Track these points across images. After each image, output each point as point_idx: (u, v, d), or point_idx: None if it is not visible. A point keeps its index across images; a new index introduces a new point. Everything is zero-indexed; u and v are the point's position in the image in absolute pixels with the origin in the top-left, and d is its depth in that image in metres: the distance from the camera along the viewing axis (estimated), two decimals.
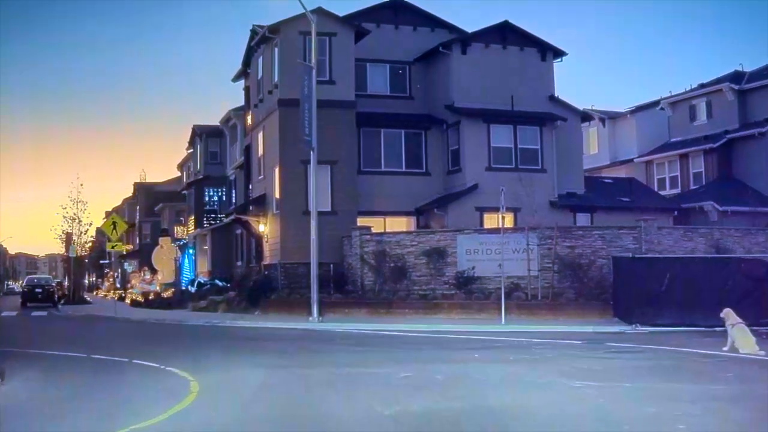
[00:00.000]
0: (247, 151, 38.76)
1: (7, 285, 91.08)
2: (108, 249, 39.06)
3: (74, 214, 51.19)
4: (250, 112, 38.45)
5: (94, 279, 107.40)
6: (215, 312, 30.33)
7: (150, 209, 70.54)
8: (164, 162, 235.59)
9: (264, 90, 34.85)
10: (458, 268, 28.66)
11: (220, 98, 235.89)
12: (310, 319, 25.32)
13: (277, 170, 32.22)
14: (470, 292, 27.64)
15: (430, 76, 36.93)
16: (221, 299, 32.03)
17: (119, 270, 79.07)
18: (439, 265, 29.11)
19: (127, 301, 43.63)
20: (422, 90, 37.07)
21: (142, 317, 29.52)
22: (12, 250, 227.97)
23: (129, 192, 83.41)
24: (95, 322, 28.88)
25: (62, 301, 46.58)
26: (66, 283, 60.86)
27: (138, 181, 77.97)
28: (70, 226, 51.27)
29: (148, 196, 72.49)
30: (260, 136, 34.96)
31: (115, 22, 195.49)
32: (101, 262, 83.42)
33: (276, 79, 32.96)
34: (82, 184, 51.76)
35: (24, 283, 50.01)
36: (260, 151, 35.04)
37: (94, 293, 74.69)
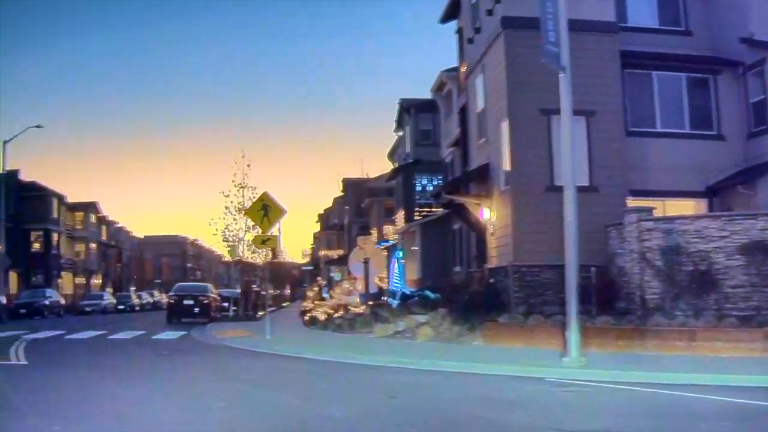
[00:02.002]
0: (463, 113, 28.57)
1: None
2: (254, 244, 28.13)
3: (240, 203, 38.37)
4: (465, 62, 28.30)
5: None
6: (413, 340, 19.99)
7: (359, 207, 62.18)
8: (380, 156, 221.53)
9: (481, 13, 24.32)
10: None
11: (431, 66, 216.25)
12: (565, 359, 14.61)
13: (505, 126, 21.46)
14: None
15: (714, 2, 25.30)
16: (425, 320, 21.93)
17: (329, 278, 71.69)
18: (765, 270, 17.92)
19: (306, 317, 33.50)
20: (702, 22, 25.45)
21: (296, 350, 18.78)
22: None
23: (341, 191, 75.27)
24: (208, 360, 18.22)
25: (229, 315, 37.38)
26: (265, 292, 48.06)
27: (348, 176, 69.26)
28: (234, 219, 38.91)
29: (357, 193, 64.16)
30: (478, 82, 24.31)
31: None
32: (303, 268, 76.31)
33: None
34: (249, 165, 39.56)
35: (172, 293, 38.33)
36: (479, 105, 24.36)
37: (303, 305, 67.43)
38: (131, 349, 20.88)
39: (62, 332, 27.45)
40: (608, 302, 19.08)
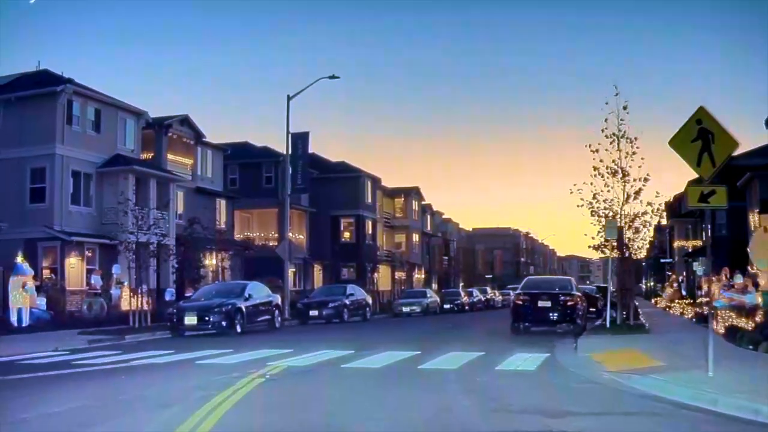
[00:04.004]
0: None
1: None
2: (690, 203, 17.94)
3: (615, 162, 26.38)
4: None
5: (652, 284, 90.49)
6: None
7: (730, 187, 52.20)
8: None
9: None
10: None
11: None
12: None
13: None
14: None
15: None
16: None
17: (684, 272, 62.07)
18: None
19: (719, 326, 21.23)
20: None
21: None
22: (562, 251, 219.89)
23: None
24: None
25: (604, 323, 25.73)
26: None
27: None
28: (606, 185, 26.51)
29: (718, 173, 54.18)
30: None
31: None
32: (662, 261, 66.17)
33: None
34: (626, 107, 26.08)
35: (520, 291, 27.98)
36: None
37: (654, 303, 59.03)
38: (457, 403, 11.21)
39: (349, 352, 18.49)
40: None
